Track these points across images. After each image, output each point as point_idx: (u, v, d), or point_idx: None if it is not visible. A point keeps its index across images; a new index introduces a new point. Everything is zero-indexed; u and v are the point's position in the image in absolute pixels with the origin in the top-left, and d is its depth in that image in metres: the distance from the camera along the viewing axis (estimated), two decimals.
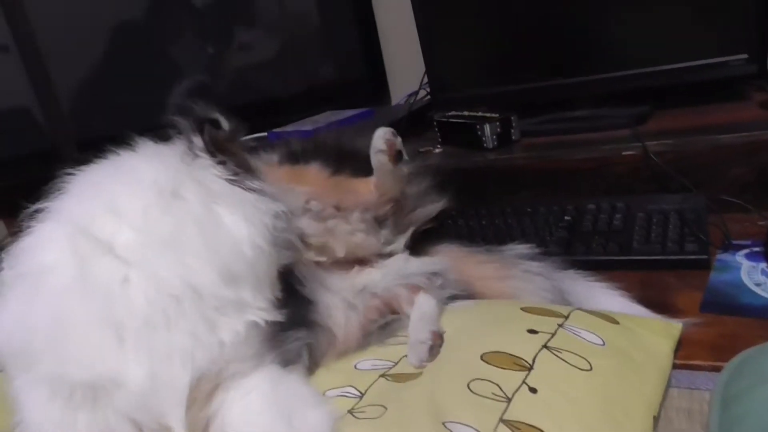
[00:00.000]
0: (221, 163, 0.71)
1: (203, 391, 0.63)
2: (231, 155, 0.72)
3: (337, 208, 0.88)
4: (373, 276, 0.87)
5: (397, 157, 0.89)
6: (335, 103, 1.75)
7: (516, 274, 0.90)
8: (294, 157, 0.93)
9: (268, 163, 0.90)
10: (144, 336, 0.61)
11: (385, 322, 0.83)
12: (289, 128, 1.57)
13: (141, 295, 0.61)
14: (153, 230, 0.64)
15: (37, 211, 0.67)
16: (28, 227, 0.67)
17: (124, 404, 0.60)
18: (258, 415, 0.64)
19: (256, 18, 1.84)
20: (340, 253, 0.86)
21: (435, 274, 0.87)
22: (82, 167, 0.69)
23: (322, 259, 0.86)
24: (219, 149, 0.71)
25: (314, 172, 0.91)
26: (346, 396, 0.70)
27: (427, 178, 1.01)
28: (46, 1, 1.57)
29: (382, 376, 0.73)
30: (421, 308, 0.81)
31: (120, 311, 0.61)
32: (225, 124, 0.72)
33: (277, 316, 0.70)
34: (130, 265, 0.62)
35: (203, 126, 0.71)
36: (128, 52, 1.64)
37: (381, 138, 0.88)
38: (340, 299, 0.82)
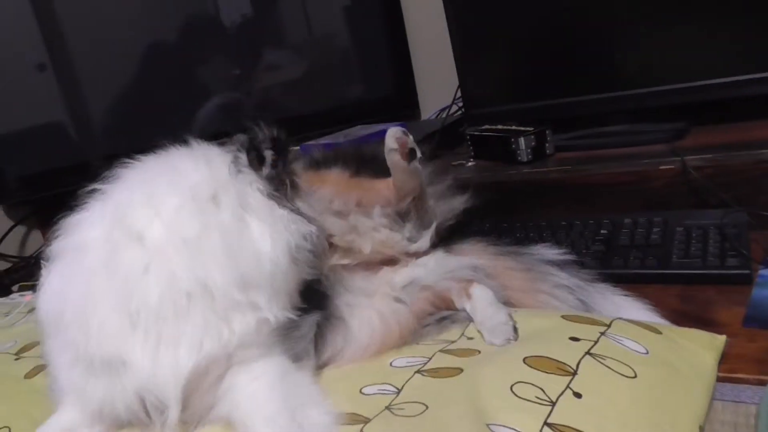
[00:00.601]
0: (266, 178, 0.74)
1: (212, 377, 0.68)
2: (277, 172, 0.75)
3: (358, 205, 0.90)
4: (418, 271, 0.89)
5: (410, 154, 0.89)
6: (366, 118, 1.76)
7: (544, 289, 0.90)
8: (316, 165, 0.96)
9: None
10: (153, 325, 0.66)
11: (441, 317, 0.84)
12: (322, 141, 1.58)
13: (156, 287, 0.66)
14: (180, 230, 0.68)
15: (93, 190, 0.73)
16: (83, 204, 0.73)
17: (131, 382, 0.66)
18: (264, 403, 0.67)
19: (285, 38, 1.87)
20: (366, 249, 0.88)
21: (476, 268, 0.88)
22: (141, 157, 0.74)
23: (348, 261, 0.88)
24: (265, 164, 0.74)
25: (335, 175, 0.94)
26: (384, 393, 0.70)
27: (448, 176, 1.02)
28: (81, 23, 1.62)
29: (418, 372, 0.73)
30: (483, 296, 0.82)
31: (136, 299, 0.66)
32: (270, 153, 0.75)
33: (290, 315, 0.73)
34: (152, 257, 0.67)
35: (253, 143, 0.75)
36: (158, 72, 1.69)
37: (392, 137, 0.89)
38: (367, 298, 0.84)
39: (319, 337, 0.79)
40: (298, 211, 0.75)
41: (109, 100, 1.70)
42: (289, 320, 0.73)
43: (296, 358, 0.74)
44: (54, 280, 0.71)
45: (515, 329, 0.77)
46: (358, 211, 0.89)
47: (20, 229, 1.79)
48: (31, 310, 1.25)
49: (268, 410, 0.66)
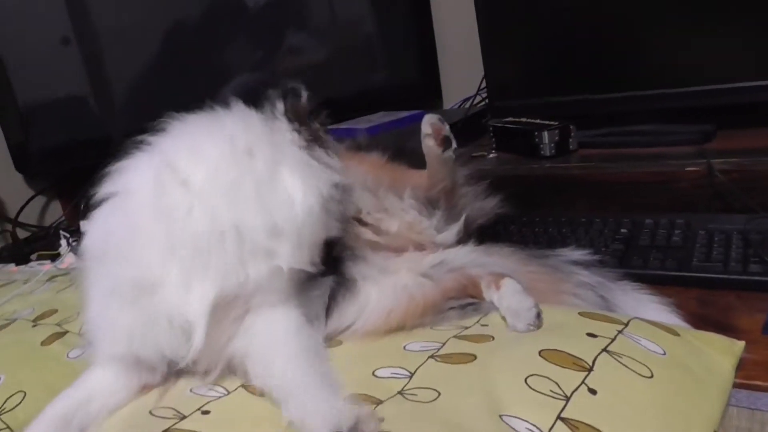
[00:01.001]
0: (296, 130, 0.79)
1: (231, 314, 0.73)
2: (307, 125, 0.80)
3: (391, 187, 0.92)
4: (449, 253, 0.89)
5: (444, 142, 0.91)
6: (387, 105, 1.76)
7: (566, 289, 0.89)
8: (358, 148, 0.99)
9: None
10: (189, 256, 0.72)
11: (466, 303, 0.84)
12: (343, 125, 1.58)
13: (197, 225, 0.72)
14: (220, 177, 0.75)
15: (141, 142, 0.78)
16: (131, 153, 0.78)
17: (163, 304, 0.71)
18: (283, 344, 0.72)
19: (308, 21, 1.86)
20: (393, 228, 0.89)
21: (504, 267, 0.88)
22: (186, 115, 0.80)
23: (377, 238, 0.89)
24: (297, 118, 0.80)
25: (373, 158, 0.96)
26: (396, 377, 0.70)
27: (483, 179, 1.02)
28: None
29: (431, 357, 0.73)
30: (512, 287, 0.82)
31: (177, 234, 0.72)
32: (305, 96, 0.80)
33: (309, 269, 0.77)
34: (195, 199, 0.73)
35: (287, 94, 0.80)
36: (180, 51, 1.69)
37: (427, 123, 0.91)
38: (392, 273, 0.86)
39: (333, 303, 0.82)
40: (326, 163, 0.79)
41: (131, 76, 1.71)
42: (307, 276, 0.77)
43: (308, 320, 0.77)
44: (101, 218, 0.77)
45: (539, 315, 0.77)
46: (390, 191, 0.91)
47: (40, 200, 1.81)
48: (50, 278, 1.27)
49: (287, 350, 0.71)
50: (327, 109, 0.85)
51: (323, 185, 0.77)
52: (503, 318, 0.80)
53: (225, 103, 0.81)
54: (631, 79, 1.30)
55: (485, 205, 1.00)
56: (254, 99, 0.82)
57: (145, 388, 0.77)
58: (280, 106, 0.80)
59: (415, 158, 0.96)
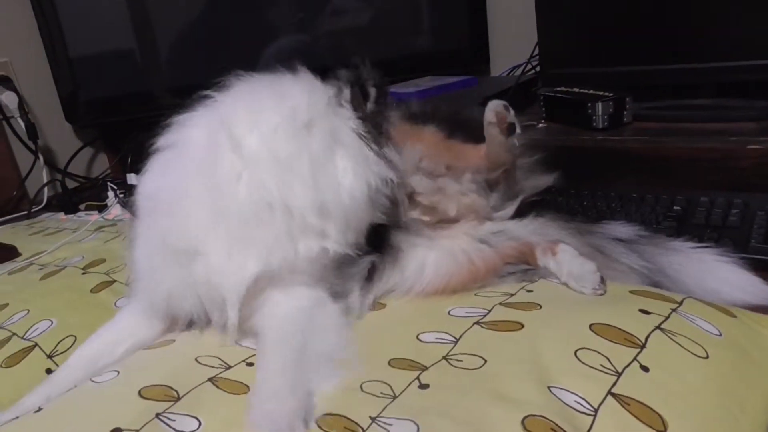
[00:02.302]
0: (359, 118, 0.78)
1: (259, 285, 0.73)
2: (370, 116, 0.79)
3: (448, 169, 0.90)
4: (508, 223, 0.89)
5: (509, 129, 0.89)
6: (434, 69, 1.72)
7: (616, 268, 0.86)
8: (412, 118, 0.96)
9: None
10: (233, 226, 0.72)
11: (525, 269, 0.84)
12: (390, 90, 1.56)
13: (245, 194, 0.72)
14: (275, 147, 0.74)
15: (205, 96, 0.78)
16: (193, 107, 0.78)
17: (202, 273, 0.72)
18: (287, 322, 0.72)
19: None
20: (452, 212, 0.88)
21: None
22: (253, 75, 0.79)
23: (428, 218, 0.89)
24: (361, 106, 0.78)
25: (429, 133, 0.93)
26: (441, 342, 0.70)
27: (537, 151, 1.00)
28: None
29: (477, 323, 0.72)
30: (570, 252, 0.82)
31: (224, 201, 0.72)
32: (374, 90, 0.79)
33: (350, 252, 0.77)
34: (246, 166, 0.73)
35: (355, 81, 0.79)
36: (224, 10, 1.68)
37: (492, 111, 0.88)
38: (449, 239, 0.86)
39: (375, 274, 0.82)
40: (383, 156, 0.79)
41: (176, 33, 1.72)
42: (347, 256, 0.77)
43: (336, 296, 0.77)
44: (155, 170, 0.78)
45: (603, 280, 0.76)
46: (447, 174, 0.90)
47: (88, 151, 1.85)
48: (98, 228, 1.29)
49: (285, 329, 0.70)
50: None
51: (373, 177, 0.77)
52: (565, 284, 0.79)
53: (293, 69, 0.79)
54: (692, 50, 1.25)
55: (540, 183, 0.99)
56: (294, 61, 0.81)
57: (165, 333, 0.80)
58: (346, 92, 0.78)
59: (471, 129, 0.93)
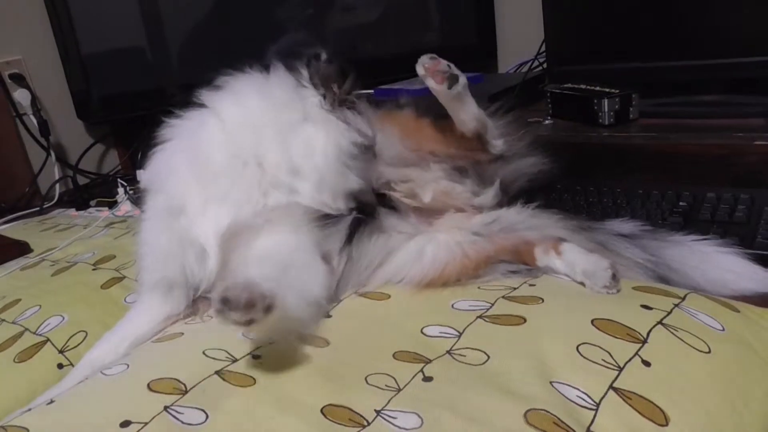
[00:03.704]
0: (322, 95, 0.88)
1: (243, 239, 0.80)
2: (331, 90, 0.89)
3: (417, 154, 0.91)
4: (501, 213, 0.90)
5: (448, 79, 0.86)
6: None
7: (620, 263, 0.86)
8: (396, 107, 0.98)
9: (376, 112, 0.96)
10: (211, 182, 0.83)
11: (516, 269, 0.84)
12: (396, 86, 1.56)
13: (221, 155, 0.84)
14: (252, 118, 0.86)
15: (198, 96, 0.89)
16: (188, 107, 0.90)
17: (185, 227, 0.83)
18: (266, 257, 0.78)
19: None
20: (427, 198, 0.89)
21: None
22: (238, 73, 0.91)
23: (414, 202, 0.90)
24: (322, 83, 0.89)
25: (402, 115, 0.95)
26: (445, 336, 0.70)
27: (524, 138, 0.99)
28: None
29: (480, 317, 0.73)
30: (577, 249, 0.81)
31: (203, 162, 0.84)
32: (326, 61, 0.91)
33: (327, 210, 0.85)
34: (224, 132, 0.86)
35: (310, 60, 0.90)
36: (233, 7, 1.70)
37: (420, 65, 0.87)
38: (439, 231, 0.89)
39: (357, 241, 0.86)
40: (348, 122, 0.88)
41: (187, 30, 1.73)
42: (325, 216, 0.84)
43: (322, 254, 0.82)
44: (155, 159, 0.89)
45: (615, 277, 0.75)
46: (413, 163, 0.90)
47: (99, 147, 1.86)
48: (108, 224, 1.31)
49: (265, 267, 0.75)
50: (378, 70, 0.90)
51: (343, 141, 0.86)
52: (581, 283, 0.78)
53: (270, 65, 0.91)
54: (698, 46, 1.24)
55: (522, 165, 0.97)
56: (297, 59, 0.92)
57: (170, 319, 0.85)
58: (304, 73, 0.90)
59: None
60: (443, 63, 0.86)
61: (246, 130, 0.85)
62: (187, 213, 0.82)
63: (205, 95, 0.89)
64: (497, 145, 0.93)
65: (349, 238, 0.85)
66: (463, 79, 0.87)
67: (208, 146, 0.85)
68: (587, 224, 0.93)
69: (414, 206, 0.90)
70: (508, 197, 0.94)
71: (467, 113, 0.89)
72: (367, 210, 0.88)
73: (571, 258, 0.80)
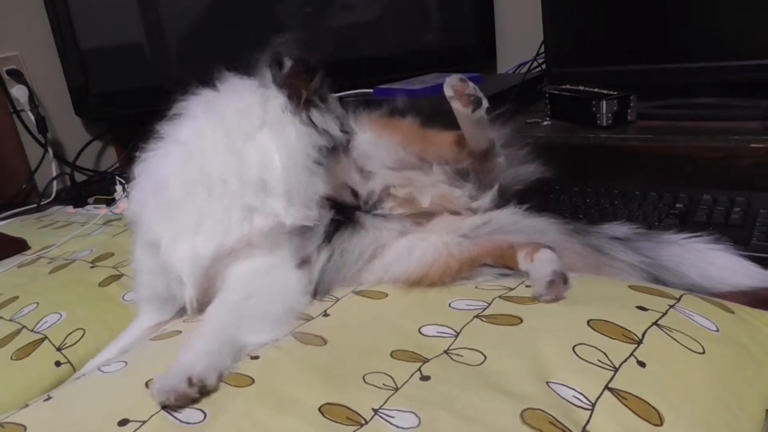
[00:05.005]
0: (287, 96, 0.83)
1: (223, 265, 0.80)
2: (296, 90, 0.83)
3: (420, 158, 0.92)
4: (492, 215, 0.90)
5: (472, 102, 0.87)
6: (440, 66, 1.73)
7: (612, 272, 0.87)
8: (395, 112, 0.98)
9: (372, 115, 0.97)
10: (175, 214, 0.80)
11: (502, 273, 0.84)
12: (395, 86, 1.56)
13: (178, 184, 0.81)
14: (206, 140, 0.82)
15: (158, 132, 0.86)
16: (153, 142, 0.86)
17: (162, 258, 0.80)
18: (235, 287, 0.78)
19: None
20: (425, 203, 0.90)
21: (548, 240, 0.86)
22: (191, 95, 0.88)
23: (404, 210, 0.91)
24: (286, 84, 0.83)
25: (405, 123, 0.95)
26: (442, 336, 0.71)
27: (524, 142, 1.00)
28: None
29: (477, 317, 0.73)
30: (545, 257, 0.81)
31: (166, 195, 0.81)
32: (288, 62, 0.83)
33: (305, 223, 0.83)
34: (183, 160, 0.82)
35: (273, 61, 0.84)
36: (232, 5, 1.70)
37: (448, 85, 0.88)
38: (427, 232, 0.89)
39: (338, 233, 0.87)
40: (312, 124, 0.83)
41: (186, 27, 1.73)
42: (303, 227, 0.83)
43: (301, 262, 0.84)
44: (132, 191, 0.89)
45: (549, 284, 0.74)
46: (416, 167, 0.91)
47: (97, 145, 1.86)
48: (106, 222, 1.31)
49: (234, 294, 0.77)
50: (378, 69, 0.86)
51: (305, 146, 0.82)
52: None
53: (220, 79, 0.86)
54: (696, 49, 1.25)
55: (522, 171, 0.98)
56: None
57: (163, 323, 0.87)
58: (267, 74, 0.84)
59: (450, 119, 0.93)
60: (471, 86, 0.87)
61: (204, 153, 0.82)
62: (160, 247, 0.80)
63: (163, 125, 0.86)
64: (500, 161, 0.94)
65: (329, 237, 0.86)
66: (485, 102, 0.88)
67: (166, 177, 0.82)
68: (582, 228, 0.93)
69: (408, 212, 0.91)
70: (505, 200, 0.95)
71: (483, 135, 0.91)
72: (345, 211, 0.88)
73: (535, 264, 0.80)
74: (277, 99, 0.83)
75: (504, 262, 0.85)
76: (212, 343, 0.69)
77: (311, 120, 0.84)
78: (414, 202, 0.90)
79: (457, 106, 0.88)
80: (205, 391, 0.63)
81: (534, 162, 0.99)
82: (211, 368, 0.65)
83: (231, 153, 0.81)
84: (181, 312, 0.86)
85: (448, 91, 0.88)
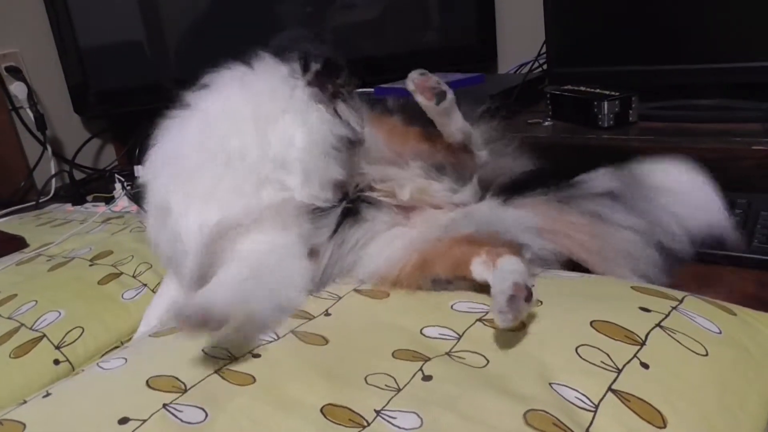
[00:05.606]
0: (312, 89, 0.86)
1: (229, 239, 0.81)
2: (322, 85, 0.86)
3: (397, 154, 0.92)
4: (472, 209, 0.90)
5: (437, 95, 0.87)
6: (440, 65, 1.72)
7: (610, 241, 0.87)
8: (386, 112, 0.99)
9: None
10: (188, 181, 0.81)
11: (447, 281, 0.80)
12: (396, 85, 1.56)
13: (197, 152, 0.82)
14: (232, 113, 0.84)
15: (184, 99, 0.88)
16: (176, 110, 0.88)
17: (171, 226, 0.81)
18: (241, 268, 0.78)
19: None
20: (405, 196, 0.90)
21: (528, 227, 0.85)
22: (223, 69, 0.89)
23: (393, 201, 0.91)
24: (314, 78, 0.86)
25: (389, 122, 0.96)
26: (444, 338, 0.70)
27: (507, 137, 1.00)
28: None
29: (479, 320, 0.73)
30: (507, 264, 0.73)
31: (183, 163, 0.82)
32: (316, 63, 0.87)
33: (317, 203, 0.84)
34: (204, 130, 0.84)
35: (304, 56, 0.87)
36: (232, 3, 1.70)
37: (409, 81, 0.89)
38: (409, 227, 0.89)
39: (342, 234, 0.87)
40: (336, 115, 0.86)
41: (185, 25, 1.73)
42: (316, 208, 0.84)
43: (311, 253, 0.84)
44: (148, 156, 0.88)
45: (510, 299, 0.66)
46: (392, 162, 0.91)
47: (96, 142, 1.86)
48: (105, 220, 1.31)
49: (237, 274, 0.77)
50: (378, 68, 0.88)
51: (324, 130, 0.84)
52: None
53: (257, 58, 0.89)
54: (698, 50, 1.25)
55: (504, 163, 0.97)
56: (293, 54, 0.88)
57: None
58: (297, 67, 0.87)
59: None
60: (432, 79, 0.88)
61: (225, 124, 0.84)
62: (171, 212, 0.81)
63: (190, 94, 0.87)
64: (482, 155, 0.95)
65: (336, 228, 0.86)
66: (450, 95, 0.88)
67: (185, 145, 0.84)
68: (566, 194, 0.92)
69: (394, 204, 0.91)
70: (491, 193, 0.94)
71: (454, 126, 0.91)
72: (353, 201, 0.88)
73: (497, 274, 0.72)
74: (303, 89, 0.86)
75: (458, 274, 0.79)
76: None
77: (336, 111, 0.87)
78: (395, 195, 0.90)
79: (420, 99, 0.88)
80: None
81: (522, 156, 0.98)
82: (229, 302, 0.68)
83: (256, 128, 0.83)
84: None
85: (409, 86, 0.88)
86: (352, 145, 0.86)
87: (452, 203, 0.92)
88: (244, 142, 0.82)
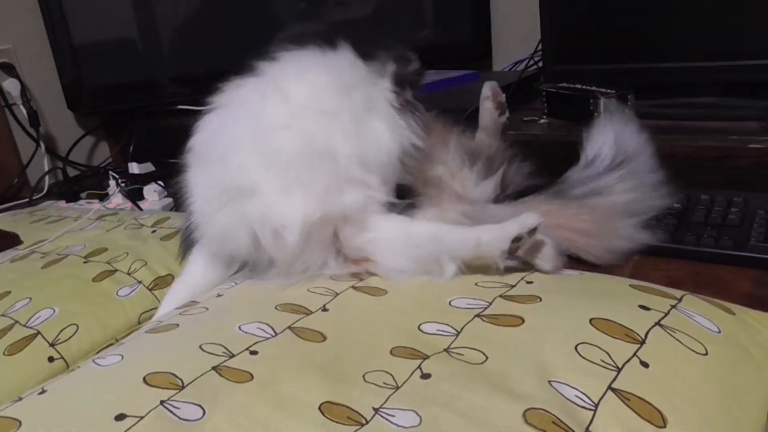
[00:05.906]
0: (395, 92, 0.87)
1: (325, 232, 0.82)
2: (404, 91, 0.88)
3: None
4: (489, 206, 0.93)
5: (501, 107, 1.06)
6: (436, 63, 1.72)
7: (618, 229, 0.91)
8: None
9: None
10: (284, 171, 0.80)
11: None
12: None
13: (294, 141, 0.80)
14: (321, 100, 0.82)
15: (254, 67, 0.86)
16: (244, 76, 0.86)
17: (258, 208, 0.80)
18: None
19: None
20: (438, 171, 0.94)
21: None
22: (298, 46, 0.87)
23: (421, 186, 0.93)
24: (399, 82, 0.87)
25: (439, 122, 1.02)
26: (442, 334, 0.70)
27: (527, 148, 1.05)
28: None
29: (478, 316, 0.72)
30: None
31: (274, 147, 0.80)
32: (413, 66, 0.89)
33: (393, 200, 0.86)
34: (294, 115, 0.81)
35: (398, 58, 0.88)
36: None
37: (488, 87, 1.07)
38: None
39: None
40: (411, 125, 0.88)
41: (179, 22, 1.72)
42: (390, 205, 0.86)
43: None
44: (208, 123, 0.86)
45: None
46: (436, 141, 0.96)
47: (89, 139, 1.85)
48: (99, 217, 1.30)
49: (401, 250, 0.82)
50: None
51: (404, 141, 0.86)
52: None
53: (343, 47, 0.87)
54: (694, 48, 1.25)
55: (524, 170, 1.02)
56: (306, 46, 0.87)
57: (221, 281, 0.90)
58: (391, 66, 0.87)
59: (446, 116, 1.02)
60: (503, 96, 1.08)
61: (316, 115, 0.82)
62: (260, 195, 0.79)
63: (263, 64, 0.85)
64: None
65: None
66: (508, 112, 1.08)
67: (276, 129, 0.81)
68: (557, 188, 0.96)
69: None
70: (504, 195, 0.96)
71: (494, 137, 1.06)
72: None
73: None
74: (387, 91, 0.86)
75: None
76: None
77: (410, 119, 0.88)
78: (427, 175, 0.93)
79: (489, 105, 1.06)
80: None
81: (534, 163, 1.03)
82: None
83: (349, 128, 0.82)
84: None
85: (486, 91, 1.06)
86: (420, 152, 0.89)
87: (473, 194, 0.95)
88: (338, 141, 0.81)
